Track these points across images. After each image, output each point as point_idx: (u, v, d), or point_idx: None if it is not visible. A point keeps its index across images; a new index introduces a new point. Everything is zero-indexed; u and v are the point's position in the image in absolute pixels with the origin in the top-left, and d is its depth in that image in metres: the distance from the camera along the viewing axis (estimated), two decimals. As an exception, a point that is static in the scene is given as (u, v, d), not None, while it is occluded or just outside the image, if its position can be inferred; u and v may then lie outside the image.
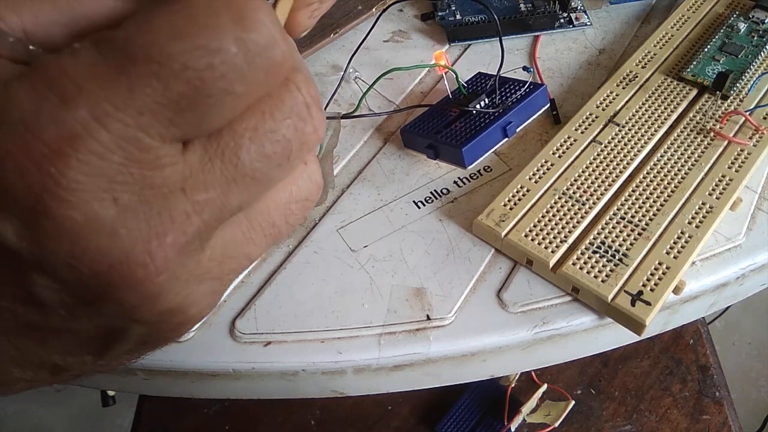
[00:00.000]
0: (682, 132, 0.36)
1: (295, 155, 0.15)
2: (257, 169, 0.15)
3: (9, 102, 0.12)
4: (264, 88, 0.14)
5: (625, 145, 0.36)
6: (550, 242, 0.32)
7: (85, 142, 0.12)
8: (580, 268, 0.31)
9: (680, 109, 0.38)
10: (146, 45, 0.12)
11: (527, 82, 0.37)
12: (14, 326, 0.15)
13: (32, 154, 0.12)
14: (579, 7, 0.45)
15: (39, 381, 0.17)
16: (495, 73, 0.38)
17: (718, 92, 0.38)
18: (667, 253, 0.31)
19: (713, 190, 0.34)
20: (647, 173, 0.34)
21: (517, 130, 0.36)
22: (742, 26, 0.41)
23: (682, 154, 0.35)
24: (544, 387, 0.61)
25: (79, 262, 0.13)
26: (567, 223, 0.32)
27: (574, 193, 0.34)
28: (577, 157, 0.35)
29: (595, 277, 0.30)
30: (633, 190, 0.34)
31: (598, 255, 0.31)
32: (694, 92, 0.38)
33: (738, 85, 0.38)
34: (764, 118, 0.37)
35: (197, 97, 0.13)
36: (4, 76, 0.13)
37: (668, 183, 0.34)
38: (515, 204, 0.33)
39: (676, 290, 0.31)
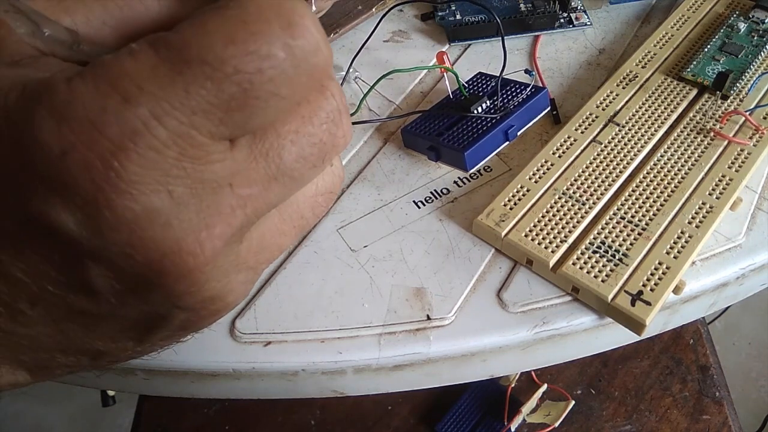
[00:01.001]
0: (682, 132, 0.36)
1: (328, 158, 0.17)
2: (296, 168, 0.16)
3: (74, 98, 0.13)
4: (306, 92, 0.15)
5: (625, 145, 0.36)
6: (550, 242, 0.32)
7: (144, 137, 0.13)
8: (580, 268, 0.31)
9: (680, 109, 0.38)
10: (201, 48, 0.13)
11: (529, 84, 0.37)
12: (65, 313, 0.15)
13: (97, 148, 0.13)
14: (579, 7, 0.45)
15: (79, 366, 0.18)
16: (495, 74, 0.38)
17: (718, 92, 0.38)
18: (667, 253, 0.31)
19: (713, 189, 0.34)
20: (647, 173, 0.34)
21: (518, 133, 0.36)
22: (742, 26, 0.41)
23: (682, 154, 0.35)
24: (544, 387, 0.62)
25: (135, 251, 0.14)
26: (567, 223, 0.32)
27: (574, 193, 0.34)
28: (577, 157, 0.35)
29: (595, 277, 0.30)
30: (633, 190, 0.34)
31: (598, 255, 0.31)
32: (694, 92, 0.38)
33: (738, 85, 0.38)
34: (764, 118, 0.37)
35: (246, 99, 0.14)
36: (65, 74, 0.13)
37: (668, 183, 0.34)
38: (515, 204, 0.33)
39: (676, 290, 0.31)
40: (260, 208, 0.16)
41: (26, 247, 0.14)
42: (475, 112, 0.36)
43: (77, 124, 0.13)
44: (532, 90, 0.37)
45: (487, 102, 0.36)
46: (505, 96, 0.37)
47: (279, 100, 0.14)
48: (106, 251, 0.14)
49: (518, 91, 0.37)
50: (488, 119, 0.35)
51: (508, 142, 0.36)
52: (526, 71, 0.40)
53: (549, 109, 0.38)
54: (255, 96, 0.14)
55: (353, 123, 0.39)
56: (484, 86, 0.38)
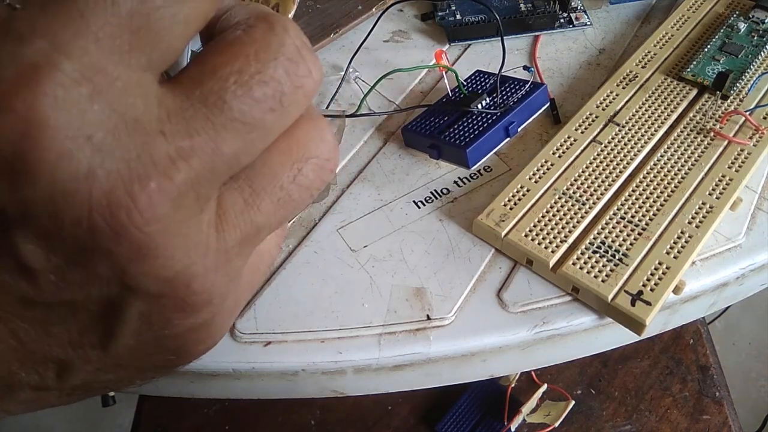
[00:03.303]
0: (682, 132, 0.36)
1: (289, 99, 0.15)
2: (247, 112, 0.14)
3: None
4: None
5: (625, 145, 0.36)
6: (550, 242, 0.32)
7: (48, 74, 0.12)
8: (580, 268, 0.31)
9: (680, 109, 0.38)
10: None
11: (528, 81, 0.37)
12: (9, 306, 0.14)
13: None
14: (579, 7, 0.45)
15: (45, 387, 0.16)
16: (494, 72, 0.38)
17: (718, 92, 0.38)
18: (667, 253, 0.31)
19: (713, 189, 0.34)
20: (647, 173, 0.34)
21: (518, 129, 0.36)
22: (742, 26, 0.41)
23: (682, 154, 0.35)
24: (544, 387, 0.61)
25: (59, 209, 0.12)
26: (567, 223, 0.32)
27: (574, 192, 0.34)
28: (577, 156, 0.35)
29: (595, 276, 0.30)
30: (633, 190, 0.34)
31: (598, 255, 0.31)
32: (694, 92, 0.38)
33: (738, 85, 0.38)
34: (764, 118, 0.37)
35: (147, 13, 0.13)
36: None
37: (668, 183, 0.34)
38: (515, 204, 0.33)
39: (676, 290, 0.31)
40: (212, 163, 0.14)
41: None
42: (475, 108, 0.36)
43: None
44: (531, 86, 0.37)
45: (487, 99, 0.36)
46: (504, 93, 0.37)
47: (180, 16, 0.13)
48: (31, 215, 0.12)
49: (517, 87, 0.37)
50: (488, 116, 0.35)
51: (508, 139, 0.36)
52: (525, 68, 0.40)
53: (548, 105, 0.38)
54: (158, 18, 0.13)
55: (353, 118, 0.39)
56: (483, 84, 0.38)
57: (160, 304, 0.14)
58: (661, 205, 0.33)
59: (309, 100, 0.15)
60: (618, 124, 0.37)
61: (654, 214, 0.33)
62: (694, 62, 0.39)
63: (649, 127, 0.37)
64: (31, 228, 0.13)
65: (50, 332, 0.15)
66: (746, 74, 0.39)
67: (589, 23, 0.45)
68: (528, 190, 0.34)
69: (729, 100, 0.38)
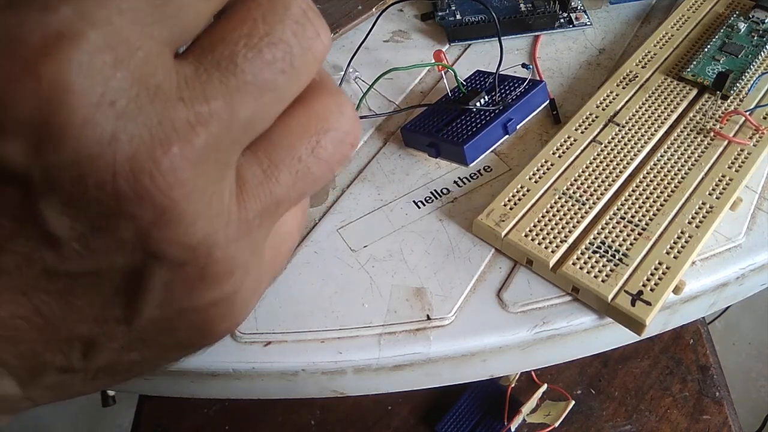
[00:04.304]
0: (682, 132, 0.36)
1: (300, 61, 0.15)
2: (259, 74, 0.14)
3: None
4: None
5: (625, 145, 0.36)
6: (550, 242, 0.32)
7: (73, 41, 0.12)
8: (580, 268, 0.31)
9: (680, 109, 0.38)
10: None
11: (526, 79, 0.37)
12: (33, 279, 0.14)
13: (21, 61, 0.12)
14: (579, 7, 0.45)
15: (71, 370, 0.16)
16: (494, 71, 0.38)
17: (718, 92, 0.38)
18: (667, 252, 0.31)
19: (713, 189, 0.34)
20: (647, 173, 0.34)
21: (518, 127, 0.36)
22: (742, 26, 0.41)
23: (682, 154, 0.35)
24: (544, 387, 0.61)
25: (84, 172, 0.13)
26: (567, 223, 0.32)
27: (574, 192, 0.34)
28: (577, 156, 0.35)
29: (595, 276, 0.30)
30: (633, 190, 0.34)
31: (598, 255, 0.31)
32: (694, 92, 0.38)
33: (738, 85, 0.38)
34: (764, 118, 0.37)
35: None
36: None
37: (668, 183, 0.34)
38: (515, 204, 0.33)
39: (676, 290, 0.31)
40: (229, 127, 0.14)
41: None
42: (474, 106, 0.36)
43: None
44: (530, 83, 0.37)
45: (486, 97, 0.37)
46: (503, 90, 0.37)
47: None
48: (55, 181, 0.12)
49: (516, 85, 0.37)
50: (487, 113, 0.36)
51: (507, 136, 0.36)
52: (524, 65, 0.40)
53: (548, 103, 0.38)
54: None
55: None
56: (483, 83, 0.38)
57: (183, 273, 0.14)
58: (661, 205, 0.33)
59: (319, 63, 0.16)
60: (618, 124, 0.37)
61: (654, 214, 0.33)
62: (694, 62, 0.39)
63: (649, 127, 0.37)
64: (55, 194, 0.13)
65: (74, 306, 0.15)
66: (746, 74, 0.39)
67: (589, 23, 0.45)
68: (528, 190, 0.34)
69: (729, 100, 0.38)
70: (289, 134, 0.16)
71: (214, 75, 0.14)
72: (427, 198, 0.36)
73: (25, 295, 0.14)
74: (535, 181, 0.34)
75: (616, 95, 0.38)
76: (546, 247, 0.31)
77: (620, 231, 0.32)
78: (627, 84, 0.39)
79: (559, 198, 0.33)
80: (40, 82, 0.12)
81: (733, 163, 0.35)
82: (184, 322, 0.16)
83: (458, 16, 0.45)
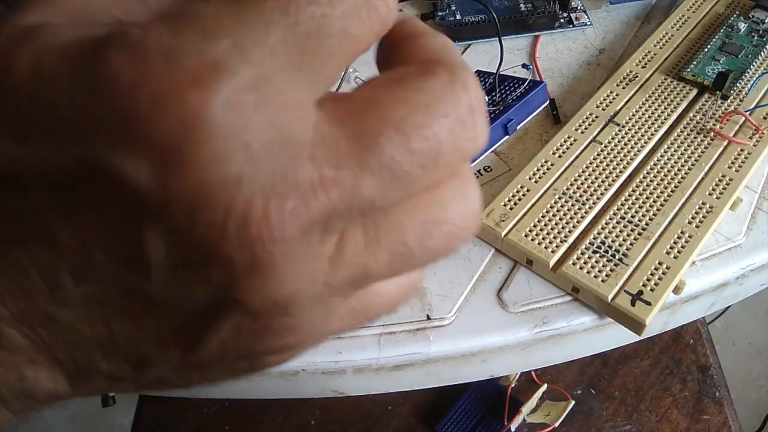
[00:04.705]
0: (682, 132, 0.36)
1: (445, 160, 0.14)
2: (398, 162, 0.13)
3: (147, 34, 0.12)
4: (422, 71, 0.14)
5: (625, 145, 0.36)
6: (550, 242, 0.32)
7: (226, 75, 0.12)
8: (580, 268, 0.31)
9: (680, 109, 0.38)
10: None
11: (526, 79, 0.37)
12: (111, 295, 0.14)
13: (171, 83, 0.12)
14: (579, 7, 0.45)
15: (120, 378, 0.16)
16: (494, 71, 0.38)
17: (718, 92, 0.38)
18: (667, 253, 0.31)
19: (713, 189, 0.34)
20: (647, 173, 0.34)
21: (518, 127, 0.36)
22: (742, 26, 0.41)
23: (682, 154, 0.35)
24: (544, 387, 0.61)
25: (199, 207, 0.12)
26: (567, 223, 0.32)
27: (574, 193, 0.34)
28: (577, 157, 0.35)
29: (595, 276, 0.30)
30: (633, 190, 0.34)
31: (598, 255, 0.31)
32: (694, 92, 0.38)
33: (738, 84, 0.38)
34: (764, 118, 0.37)
35: (320, 34, 0.13)
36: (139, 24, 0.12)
37: (668, 183, 0.34)
38: (515, 204, 0.33)
39: (676, 290, 0.31)
40: (349, 201, 0.13)
41: (78, 204, 0.13)
42: None
43: (150, 55, 0.12)
44: (530, 84, 0.37)
45: (486, 97, 0.37)
46: (503, 91, 0.37)
47: (351, 41, 0.13)
48: (168, 208, 0.12)
49: (516, 85, 0.37)
50: (487, 114, 0.36)
51: (507, 136, 0.36)
52: (524, 65, 0.40)
53: (548, 103, 0.38)
54: (328, 34, 0.13)
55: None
56: (483, 83, 0.38)
57: (255, 322, 0.14)
58: (661, 205, 0.33)
59: (463, 163, 0.15)
60: (618, 124, 0.37)
61: (654, 214, 0.33)
62: (694, 62, 0.39)
63: (649, 127, 0.37)
64: (164, 221, 0.13)
65: (142, 328, 0.15)
66: (746, 74, 0.39)
67: (589, 23, 0.45)
68: (528, 190, 0.34)
69: (729, 100, 0.38)
70: (403, 214, 0.15)
71: (352, 145, 0.13)
72: (427, 198, 0.36)
73: (100, 305, 0.14)
74: (535, 181, 0.34)
75: (616, 95, 0.38)
76: (546, 247, 0.31)
77: (620, 231, 0.32)
78: (627, 84, 0.39)
79: (559, 198, 0.33)
80: (185, 107, 0.12)
81: (733, 163, 0.35)
82: (239, 359, 0.16)
83: (458, 16, 0.45)
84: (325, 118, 0.13)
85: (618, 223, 0.32)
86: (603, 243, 0.32)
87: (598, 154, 0.35)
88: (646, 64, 0.40)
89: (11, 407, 0.15)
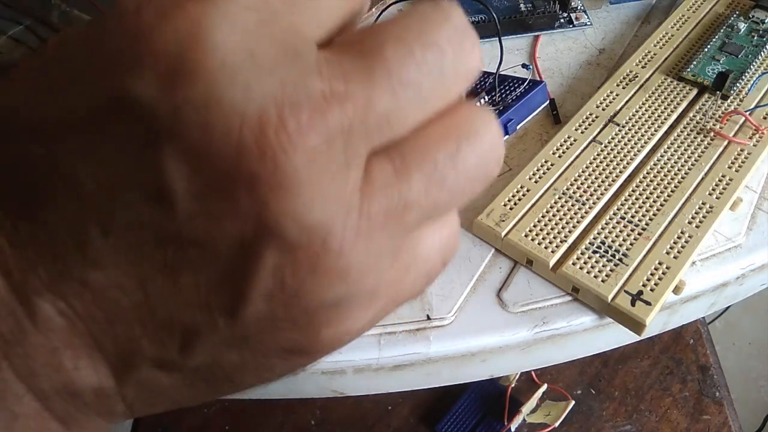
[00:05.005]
0: (682, 132, 0.36)
1: (449, 70, 0.14)
2: (405, 71, 0.14)
3: None
4: None
5: (625, 145, 0.36)
6: (550, 242, 0.32)
7: None
8: (580, 268, 0.31)
9: (680, 109, 0.38)
10: None
11: (526, 79, 0.37)
12: (141, 242, 0.13)
13: None
14: (579, 7, 0.45)
15: (167, 365, 0.15)
16: (494, 71, 0.38)
17: (718, 92, 0.38)
18: (667, 252, 0.31)
19: (713, 189, 0.34)
20: (647, 173, 0.34)
21: (518, 127, 0.36)
22: (742, 26, 0.41)
23: (682, 154, 0.35)
24: (544, 387, 0.61)
25: (212, 116, 0.12)
26: (567, 223, 0.32)
27: (574, 193, 0.34)
28: (577, 157, 0.35)
29: (595, 276, 0.30)
30: (633, 190, 0.34)
31: (598, 255, 0.31)
32: (694, 92, 0.38)
33: (738, 84, 0.38)
34: (764, 118, 0.37)
35: None
36: None
37: (668, 183, 0.34)
38: (515, 204, 0.33)
39: (676, 290, 0.31)
40: (365, 115, 0.13)
41: (99, 143, 0.13)
42: None
43: None
44: (530, 84, 0.37)
45: (486, 97, 0.37)
46: (503, 90, 0.37)
47: None
48: (181, 122, 0.12)
49: (516, 85, 0.37)
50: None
51: (507, 136, 0.36)
52: (524, 65, 0.40)
53: (548, 103, 0.38)
54: None
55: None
56: (483, 83, 0.38)
57: (295, 260, 0.14)
58: (661, 205, 0.33)
59: (467, 82, 0.15)
60: (618, 124, 0.37)
61: (654, 214, 0.33)
62: (694, 62, 0.39)
63: (649, 127, 0.37)
64: (179, 139, 0.12)
65: (179, 285, 0.14)
66: (746, 74, 0.39)
67: (589, 23, 0.45)
68: (528, 190, 0.34)
69: (729, 100, 0.38)
70: (428, 137, 0.15)
71: (356, 60, 0.13)
72: (427, 198, 0.36)
73: (132, 263, 0.14)
74: (535, 181, 0.34)
75: (616, 95, 0.38)
76: (546, 247, 0.31)
77: (620, 231, 0.32)
78: (627, 84, 0.39)
79: (559, 198, 0.33)
80: (187, 17, 0.12)
81: (733, 163, 0.35)
82: (290, 323, 0.15)
83: (458, 16, 0.45)
84: (326, 50, 0.14)
85: (618, 223, 0.32)
86: (603, 243, 0.31)
87: (598, 154, 0.35)
88: (646, 64, 0.40)
89: (53, 408, 0.14)
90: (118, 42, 0.12)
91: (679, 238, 0.32)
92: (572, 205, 0.33)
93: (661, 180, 0.34)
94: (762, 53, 0.40)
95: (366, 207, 0.14)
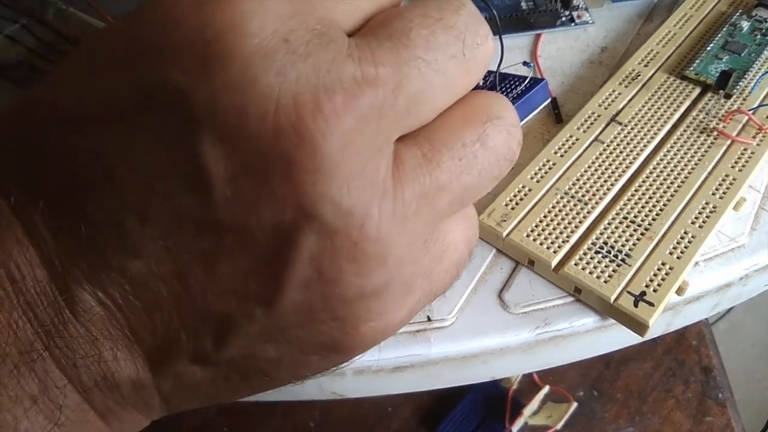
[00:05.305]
0: (685, 131, 0.36)
1: (470, 53, 0.15)
2: (431, 52, 0.14)
3: None
4: None
5: (628, 144, 0.35)
6: (552, 242, 0.31)
7: None
8: (583, 269, 0.30)
9: (683, 108, 0.37)
10: None
11: (527, 77, 0.37)
12: (179, 229, 0.13)
13: None
14: (581, 5, 0.45)
15: (202, 359, 0.15)
16: (494, 69, 0.37)
17: (721, 91, 0.38)
18: (670, 253, 0.31)
19: (716, 189, 0.33)
20: (650, 173, 0.34)
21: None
22: (745, 24, 0.41)
23: (685, 153, 0.35)
24: (546, 389, 0.61)
25: (247, 99, 0.12)
26: (569, 223, 0.32)
27: (576, 192, 0.33)
28: (579, 156, 0.35)
29: (598, 277, 0.30)
30: (636, 190, 0.33)
31: (600, 255, 0.31)
32: (697, 91, 0.38)
33: (741, 83, 0.38)
34: (767, 117, 0.37)
35: None
36: None
37: (671, 182, 0.34)
38: (517, 204, 0.33)
39: (680, 291, 0.30)
40: (395, 98, 0.14)
41: (136, 132, 0.13)
42: None
43: None
44: (531, 82, 0.36)
45: None
46: (503, 89, 0.37)
47: None
48: (217, 106, 0.12)
49: (517, 83, 0.37)
50: None
51: (508, 138, 0.36)
52: (525, 63, 0.40)
53: (549, 101, 0.38)
54: None
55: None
56: (483, 81, 0.38)
57: (333, 246, 0.14)
58: (664, 205, 0.33)
59: (485, 67, 0.16)
60: (620, 123, 0.36)
61: (657, 214, 0.32)
62: (697, 61, 0.39)
63: (651, 126, 0.36)
64: (215, 123, 0.13)
65: (216, 274, 0.14)
66: (749, 73, 0.38)
67: (591, 21, 0.44)
68: (530, 190, 0.33)
69: (732, 99, 0.37)
70: (452, 120, 0.15)
71: (385, 43, 0.14)
72: (428, 198, 0.35)
73: (170, 252, 0.14)
74: (537, 181, 0.34)
75: (619, 94, 0.38)
76: (548, 248, 0.31)
77: (623, 231, 0.32)
78: (629, 83, 0.39)
79: (561, 198, 0.33)
80: (223, 4, 0.12)
81: (736, 162, 0.34)
82: (328, 314, 0.15)
83: (459, 15, 0.45)
84: (356, 36, 0.14)
85: (621, 223, 0.32)
86: (605, 243, 0.31)
87: (600, 154, 0.35)
88: (648, 62, 0.40)
89: (92, 400, 0.14)
90: (155, 31, 0.12)
91: (682, 238, 0.31)
92: (574, 205, 0.33)
93: (664, 180, 0.34)
94: (765, 52, 0.39)
95: (399, 192, 0.14)
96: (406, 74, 0.14)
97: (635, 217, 0.32)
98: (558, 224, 0.32)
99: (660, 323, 0.31)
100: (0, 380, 0.13)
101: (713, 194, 0.33)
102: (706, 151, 0.35)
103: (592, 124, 0.36)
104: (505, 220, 0.32)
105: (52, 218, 0.13)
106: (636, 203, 0.33)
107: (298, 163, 0.13)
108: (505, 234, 0.32)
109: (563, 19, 0.44)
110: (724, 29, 0.41)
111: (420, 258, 0.16)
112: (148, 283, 0.14)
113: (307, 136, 0.12)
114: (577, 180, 0.34)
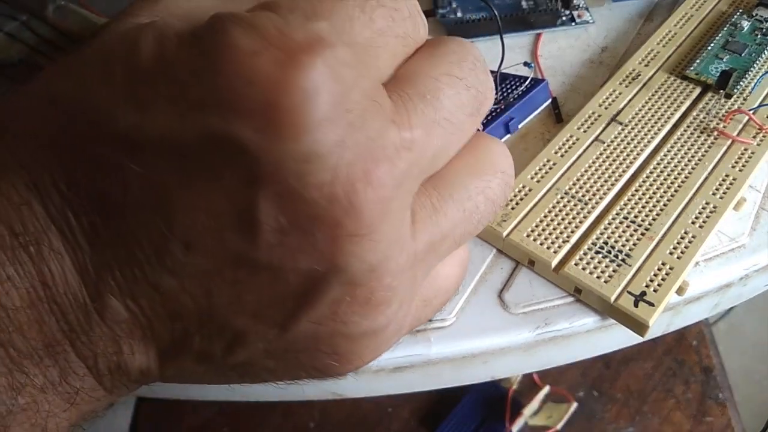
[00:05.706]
0: (685, 131, 0.36)
1: (484, 108, 0.17)
2: (455, 113, 0.15)
3: (259, 16, 0.13)
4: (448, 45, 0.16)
5: (628, 144, 0.35)
6: (553, 242, 0.31)
7: (330, 48, 0.13)
8: (583, 269, 0.30)
9: (683, 108, 0.37)
10: None
11: (528, 77, 0.37)
12: (218, 261, 0.14)
13: (286, 51, 0.13)
14: (581, 5, 0.45)
15: (207, 358, 0.16)
16: (495, 69, 0.37)
17: (721, 91, 0.38)
18: (671, 253, 0.31)
19: (717, 189, 0.33)
20: (650, 172, 0.34)
21: (519, 126, 0.36)
22: (746, 24, 0.41)
23: (685, 153, 0.35)
24: (546, 389, 0.61)
25: (309, 168, 0.13)
26: (569, 223, 0.32)
27: (576, 192, 0.33)
28: (579, 156, 0.35)
29: (598, 277, 0.30)
30: (636, 190, 0.33)
31: (600, 255, 0.31)
32: (698, 91, 0.38)
33: (741, 83, 0.38)
34: (767, 117, 0.36)
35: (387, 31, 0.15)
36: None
37: (671, 182, 0.34)
38: (517, 204, 0.33)
39: (680, 291, 0.30)
40: (421, 156, 0.15)
41: (195, 170, 0.13)
42: None
43: (265, 29, 0.13)
44: (531, 82, 0.36)
45: None
46: (504, 89, 0.37)
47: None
48: (280, 169, 0.13)
49: (517, 84, 0.37)
50: (488, 112, 0.35)
51: (508, 135, 0.36)
52: (525, 63, 0.40)
53: (550, 101, 0.38)
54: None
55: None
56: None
57: (353, 294, 0.15)
58: (665, 205, 0.33)
59: (486, 112, 0.18)
60: (621, 123, 0.36)
61: (657, 214, 0.32)
62: (698, 60, 0.39)
63: (652, 126, 0.36)
64: (276, 184, 0.13)
65: (242, 299, 0.15)
66: (750, 73, 0.38)
67: (591, 21, 0.44)
68: (530, 190, 0.33)
69: (732, 99, 0.37)
70: (459, 171, 0.17)
71: (418, 106, 0.15)
72: (428, 198, 0.35)
73: (205, 275, 0.14)
74: (537, 181, 0.34)
75: (619, 94, 0.38)
76: (548, 248, 0.31)
77: (623, 231, 0.32)
78: (630, 82, 0.39)
79: (562, 198, 0.33)
80: (300, 72, 0.13)
81: (736, 162, 0.34)
82: (331, 346, 0.16)
83: (459, 14, 0.45)
84: (391, 92, 0.15)
85: (621, 223, 0.32)
86: (606, 243, 0.31)
87: (600, 153, 0.35)
88: (649, 62, 0.40)
89: (104, 382, 0.16)
90: (228, 80, 0.13)
91: (682, 238, 0.31)
92: (574, 205, 0.33)
93: (665, 179, 0.34)
94: (765, 51, 0.39)
95: (413, 243, 0.16)
96: (434, 134, 0.15)
97: (635, 217, 0.32)
98: (558, 224, 0.32)
99: (660, 323, 0.31)
100: (27, 370, 0.14)
101: (713, 194, 0.33)
102: (706, 151, 0.35)
103: (592, 124, 0.36)
104: (505, 220, 0.32)
105: (91, 228, 0.14)
106: (636, 203, 0.33)
107: (343, 227, 0.14)
108: (505, 234, 0.32)
109: (564, 18, 0.44)
110: (725, 29, 0.41)
111: (414, 298, 0.17)
112: (177, 297, 0.15)
113: (357, 205, 0.14)
114: (578, 180, 0.34)
